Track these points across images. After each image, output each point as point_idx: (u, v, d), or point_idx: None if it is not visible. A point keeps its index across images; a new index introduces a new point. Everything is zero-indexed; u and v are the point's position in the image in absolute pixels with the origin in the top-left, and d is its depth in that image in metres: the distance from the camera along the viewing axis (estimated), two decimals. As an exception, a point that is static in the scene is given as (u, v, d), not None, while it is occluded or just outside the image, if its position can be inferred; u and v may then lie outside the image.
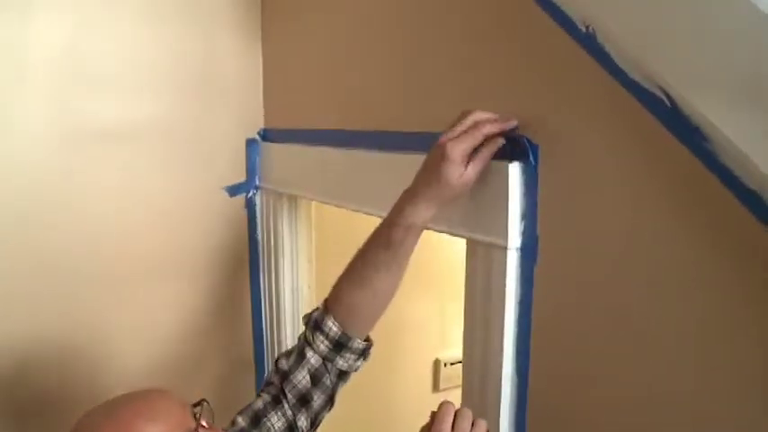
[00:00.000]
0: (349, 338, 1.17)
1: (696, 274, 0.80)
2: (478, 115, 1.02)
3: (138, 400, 0.99)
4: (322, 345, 1.16)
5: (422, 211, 1.06)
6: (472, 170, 1.02)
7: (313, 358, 1.17)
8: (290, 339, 1.85)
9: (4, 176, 1.58)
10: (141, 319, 1.81)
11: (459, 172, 1.01)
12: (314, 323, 1.18)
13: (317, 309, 1.20)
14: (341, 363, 1.18)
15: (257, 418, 1.15)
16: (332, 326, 1.16)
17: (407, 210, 1.07)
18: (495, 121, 1.01)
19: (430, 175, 1.04)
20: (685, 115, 0.75)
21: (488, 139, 1.02)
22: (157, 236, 1.80)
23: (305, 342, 1.19)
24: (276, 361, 1.22)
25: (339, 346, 1.17)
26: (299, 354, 1.18)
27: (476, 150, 1.02)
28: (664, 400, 0.85)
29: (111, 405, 0.99)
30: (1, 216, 1.59)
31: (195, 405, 1.03)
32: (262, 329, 1.98)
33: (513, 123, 1.01)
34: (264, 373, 1.99)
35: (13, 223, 1.60)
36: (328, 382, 1.18)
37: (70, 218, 1.66)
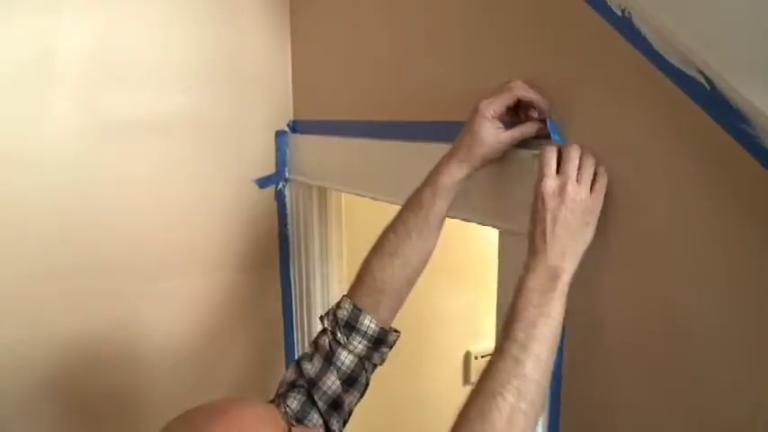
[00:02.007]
0: (386, 333, 1.13)
1: (737, 263, 0.77)
2: (514, 81, 1.01)
3: (224, 416, 0.91)
4: (360, 345, 1.12)
5: (453, 170, 1.05)
6: (508, 135, 1.02)
7: (348, 359, 1.12)
8: (318, 329, 1.84)
9: (38, 171, 1.60)
10: (174, 311, 1.83)
11: (490, 128, 1.01)
12: (346, 324, 1.12)
13: (339, 307, 1.14)
14: (376, 358, 1.15)
15: (299, 421, 1.10)
16: (369, 323, 1.12)
17: (439, 169, 1.07)
18: (531, 89, 1.00)
19: (464, 134, 1.04)
20: (725, 98, 0.72)
21: (528, 112, 1.02)
22: (188, 228, 1.81)
23: (333, 343, 1.13)
24: (298, 363, 1.16)
25: (378, 342, 1.13)
26: (325, 359, 1.13)
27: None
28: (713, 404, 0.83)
29: (194, 420, 0.93)
30: (35, 212, 1.61)
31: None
32: (292, 323, 1.98)
33: (544, 104, 1.00)
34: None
35: (47, 219, 1.63)
36: (364, 380, 1.14)
37: (104, 212, 1.69)
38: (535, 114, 1.02)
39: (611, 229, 0.93)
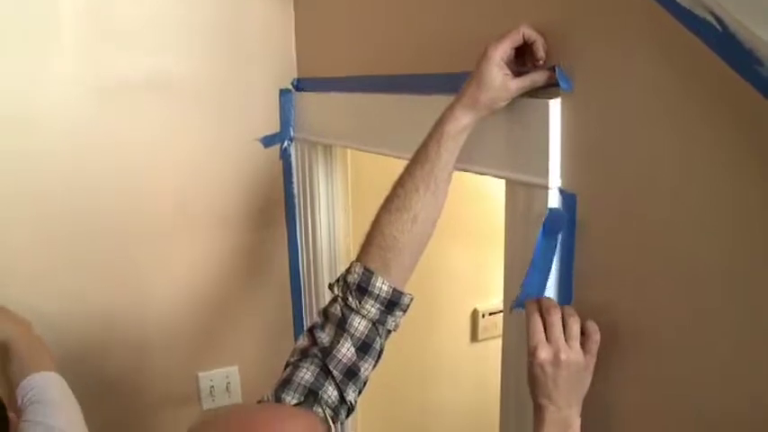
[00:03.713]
0: (400, 295, 1.10)
1: (751, 209, 0.76)
2: (521, 25, 0.98)
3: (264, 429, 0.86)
4: (373, 308, 1.09)
5: (458, 116, 1.03)
6: (515, 83, 1.00)
7: (361, 325, 1.09)
8: (327, 290, 1.84)
9: (37, 135, 1.60)
10: (181, 273, 1.84)
11: (498, 73, 0.99)
12: (357, 287, 1.09)
13: (349, 272, 1.11)
14: (390, 322, 1.12)
15: (313, 393, 1.06)
16: (381, 285, 1.09)
17: (444, 116, 1.05)
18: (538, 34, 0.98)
19: (471, 79, 1.02)
20: (738, 39, 0.71)
21: (536, 60, 0.99)
22: (193, 189, 1.81)
23: (345, 309, 1.10)
24: (311, 331, 1.13)
25: (391, 305, 1.10)
26: (337, 326, 1.10)
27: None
28: (713, 342, 0.83)
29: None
30: (35, 177, 1.61)
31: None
32: (299, 280, 1.99)
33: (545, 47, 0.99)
34: (302, 322, 2.01)
35: (47, 184, 1.63)
36: (378, 346, 1.12)
37: (106, 174, 1.68)
38: (542, 63, 0.99)
39: (614, 175, 0.92)
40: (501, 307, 1.19)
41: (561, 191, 1.01)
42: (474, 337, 2.39)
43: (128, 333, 1.79)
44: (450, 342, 2.34)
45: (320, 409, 1.06)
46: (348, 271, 1.12)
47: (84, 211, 1.68)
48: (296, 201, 1.94)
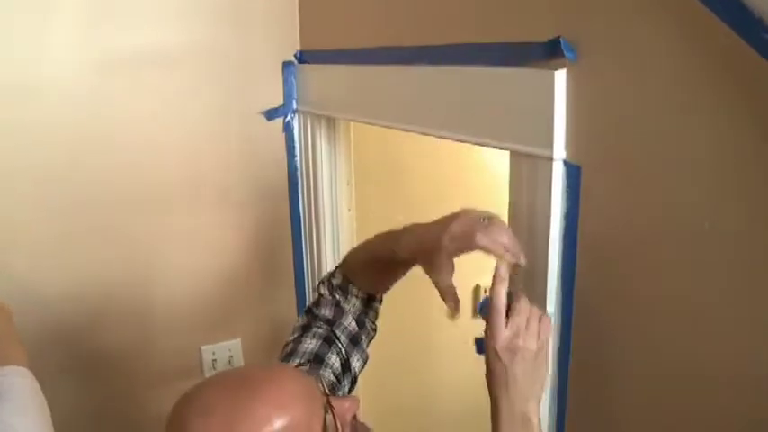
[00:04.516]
0: (372, 297, 1.24)
1: (758, 177, 0.76)
2: (494, 224, 1.01)
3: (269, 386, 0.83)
4: (355, 304, 1.22)
5: (408, 257, 1.10)
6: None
7: (354, 305, 1.22)
8: (330, 261, 1.86)
9: (40, 108, 1.59)
10: (183, 247, 1.84)
11: (446, 263, 1.02)
12: (338, 287, 1.22)
13: (333, 276, 1.24)
14: (368, 322, 1.24)
15: (319, 358, 1.13)
16: (356, 291, 1.22)
17: (401, 242, 1.09)
18: (503, 247, 1.00)
19: (426, 252, 1.05)
20: (749, 9, 0.70)
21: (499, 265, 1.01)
22: (195, 162, 1.80)
23: (335, 298, 1.22)
24: (309, 310, 1.23)
25: (367, 302, 1.23)
26: (335, 306, 1.21)
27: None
28: (713, 313, 0.83)
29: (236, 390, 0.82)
30: (39, 151, 1.60)
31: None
32: (302, 253, 1.99)
33: (521, 261, 1.01)
34: (305, 295, 2.01)
35: (51, 157, 1.62)
36: (369, 327, 1.24)
37: (108, 147, 1.68)
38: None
39: (618, 146, 0.91)
40: (504, 282, 1.18)
41: (566, 162, 1.00)
42: (476, 312, 2.39)
43: (131, 306, 1.79)
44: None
45: (326, 373, 1.11)
46: (332, 274, 1.25)
47: (87, 185, 1.67)
48: (299, 174, 1.94)
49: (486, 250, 0.99)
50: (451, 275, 1.04)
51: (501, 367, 0.94)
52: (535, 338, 0.94)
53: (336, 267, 1.26)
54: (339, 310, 1.20)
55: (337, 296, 1.21)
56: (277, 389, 0.82)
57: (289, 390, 0.82)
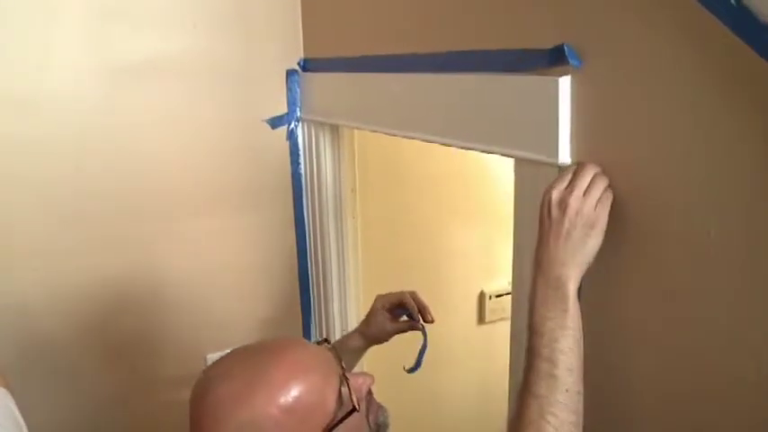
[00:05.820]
0: None
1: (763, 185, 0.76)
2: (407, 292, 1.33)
3: (286, 354, 0.91)
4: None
5: (354, 339, 1.39)
6: (392, 326, 1.36)
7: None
8: (334, 268, 1.86)
9: (47, 116, 1.59)
10: (189, 254, 1.84)
11: (381, 317, 1.35)
12: None
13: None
14: None
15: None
16: None
17: (349, 334, 1.42)
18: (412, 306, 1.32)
19: (367, 315, 1.39)
20: (753, 13, 0.70)
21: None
22: (200, 170, 1.81)
23: None
24: None
25: None
26: None
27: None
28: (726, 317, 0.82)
29: (255, 359, 0.90)
30: (47, 160, 1.61)
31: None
32: (307, 261, 1.99)
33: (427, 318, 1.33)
34: (309, 303, 2.03)
35: (58, 167, 1.63)
36: None
37: (114, 154, 1.68)
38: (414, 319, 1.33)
39: (623, 153, 0.91)
40: (508, 289, 1.19)
41: (571, 169, 1.00)
42: (481, 319, 2.39)
43: (138, 314, 1.80)
44: (457, 324, 2.34)
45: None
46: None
47: (94, 192, 1.67)
48: (303, 181, 1.94)
49: (409, 303, 1.32)
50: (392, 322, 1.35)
51: (548, 223, 0.92)
52: (592, 206, 0.90)
53: None
54: None
55: None
56: (295, 357, 0.89)
57: (306, 359, 0.90)
